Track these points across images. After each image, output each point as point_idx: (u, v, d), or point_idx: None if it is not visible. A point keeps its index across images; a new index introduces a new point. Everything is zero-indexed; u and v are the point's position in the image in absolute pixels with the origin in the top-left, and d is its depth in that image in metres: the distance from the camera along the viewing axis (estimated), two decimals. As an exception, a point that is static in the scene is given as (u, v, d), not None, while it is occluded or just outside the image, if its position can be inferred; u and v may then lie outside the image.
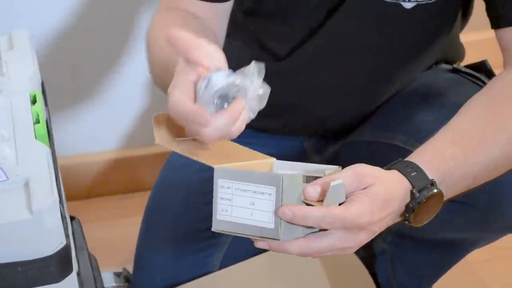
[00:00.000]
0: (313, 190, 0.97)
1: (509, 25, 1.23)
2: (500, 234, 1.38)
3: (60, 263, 0.94)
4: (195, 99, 0.99)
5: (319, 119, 1.46)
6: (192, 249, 1.46)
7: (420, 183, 1.05)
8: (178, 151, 1.01)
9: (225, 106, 0.98)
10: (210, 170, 0.99)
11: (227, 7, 1.32)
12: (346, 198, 0.99)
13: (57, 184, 0.97)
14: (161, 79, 1.22)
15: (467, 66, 1.46)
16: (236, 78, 0.98)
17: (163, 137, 1.03)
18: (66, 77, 1.96)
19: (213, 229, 0.99)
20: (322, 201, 0.97)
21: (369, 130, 1.45)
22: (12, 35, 1.25)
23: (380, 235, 1.41)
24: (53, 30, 1.90)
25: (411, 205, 1.05)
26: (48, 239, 0.92)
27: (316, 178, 1.00)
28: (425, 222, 1.07)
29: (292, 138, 1.53)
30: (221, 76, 0.98)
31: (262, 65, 1.00)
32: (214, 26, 1.30)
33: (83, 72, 1.98)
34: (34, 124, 1.05)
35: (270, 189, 0.96)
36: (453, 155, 1.10)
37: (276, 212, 0.96)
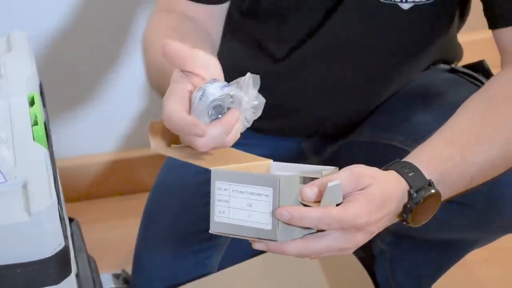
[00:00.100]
0: (310, 191, 0.97)
1: (506, 25, 1.23)
2: (498, 234, 1.38)
3: (58, 264, 0.94)
4: (190, 109, 0.99)
5: (317, 119, 1.46)
6: (190, 251, 1.46)
7: (418, 184, 1.05)
8: (174, 156, 1.02)
9: (220, 116, 0.99)
10: (208, 171, 0.99)
11: (223, 8, 1.33)
12: (343, 199, 0.99)
13: (55, 186, 0.97)
14: (157, 83, 1.22)
15: (465, 66, 1.46)
16: (231, 89, 0.99)
17: (158, 144, 1.03)
18: (65, 78, 1.96)
19: (210, 231, 0.99)
20: (319, 202, 0.97)
21: (368, 130, 1.45)
22: (10, 36, 1.25)
23: (378, 235, 1.41)
24: (51, 32, 1.90)
25: (409, 206, 1.05)
26: (46, 241, 0.92)
27: (313, 179, 1.00)
28: (423, 223, 1.07)
29: (290, 139, 1.53)
30: (216, 87, 0.99)
31: (257, 77, 1.00)
32: (210, 28, 1.30)
33: (82, 74, 1.98)
34: (32, 126, 1.05)
35: (267, 191, 0.96)
36: (450, 155, 1.10)
37: (273, 213, 0.96)
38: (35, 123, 1.06)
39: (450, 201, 1.17)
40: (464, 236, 1.41)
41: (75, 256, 1.24)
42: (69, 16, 1.90)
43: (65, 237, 0.95)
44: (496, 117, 1.16)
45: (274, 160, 1.06)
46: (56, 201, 0.93)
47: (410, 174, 1.05)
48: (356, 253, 1.55)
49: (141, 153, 2.07)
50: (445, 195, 1.09)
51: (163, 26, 1.27)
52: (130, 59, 1.97)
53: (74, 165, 2.05)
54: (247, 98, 1.00)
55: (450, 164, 1.09)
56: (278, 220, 0.96)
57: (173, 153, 1.02)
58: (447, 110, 1.18)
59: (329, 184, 0.96)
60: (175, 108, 0.98)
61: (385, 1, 1.29)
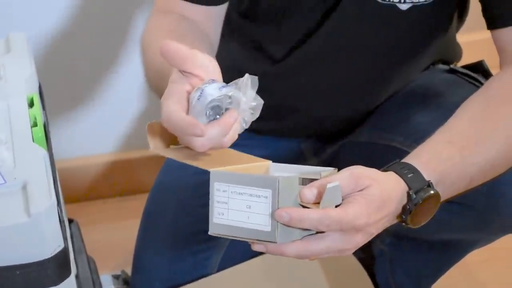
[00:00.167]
0: (309, 193, 0.97)
1: (504, 26, 1.23)
2: (498, 234, 1.38)
3: (58, 266, 0.94)
4: (188, 110, 0.99)
5: (316, 120, 1.46)
6: (190, 251, 1.46)
7: (417, 185, 1.05)
8: (173, 157, 1.02)
9: (218, 117, 0.99)
10: (207, 172, 0.99)
11: (222, 9, 1.33)
12: (342, 200, 0.99)
13: (55, 187, 0.97)
14: (155, 84, 1.22)
15: (464, 67, 1.46)
16: (229, 90, 0.99)
17: (157, 145, 1.03)
18: (64, 79, 1.96)
19: (210, 232, 0.99)
20: (318, 203, 0.97)
21: (367, 131, 1.45)
22: (9, 38, 1.25)
23: (378, 236, 1.41)
24: (51, 33, 1.90)
25: (408, 207, 1.05)
26: (46, 242, 0.92)
27: (312, 180, 1.00)
28: (422, 224, 1.07)
29: (289, 139, 1.53)
30: (214, 88, 0.99)
31: (255, 78, 1.00)
32: (208, 29, 1.30)
33: (81, 75, 1.98)
34: (31, 127, 1.05)
35: (266, 192, 0.96)
36: (450, 156, 1.10)
37: (272, 215, 0.96)
38: (35, 125, 1.05)
39: (450, 202, 1.17)
40: (464, 237, 1.41)
41: (75, 257, 1.24)
42: (68, 17, 1.90)
43: (65, 238, 0.95)
44: (495, 117, 1.16)
45: (273, 161, 1.06)
46: (56, 202, 0.93)
47: (409, 175, 1.05)
48: (356, 253, 1.55)
49: (141, 154, 2.07)
50: (445, 195, 1.09)
51: (161, 27, 1.27)
52: (129, 60, 1.97)
53: (74, 166, 2.05)
54: (245, 99, 1.00)
55: (449, 164, 1.09)
56: (277, 221, 0.96)
57: (171, 154, 1.02)
58: (446, 111, 1.18)
59: (328, 186, 0.96)
60: (173, 108, 0.98)
61: (383, 2, 1.29)
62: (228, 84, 1.00)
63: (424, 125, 1.33)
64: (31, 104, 1.10)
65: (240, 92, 0.99)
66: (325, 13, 1.32)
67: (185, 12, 1.29)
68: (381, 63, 1.38)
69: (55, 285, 0.94)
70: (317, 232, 0.99)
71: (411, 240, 1.50)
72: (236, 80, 1.00)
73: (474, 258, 1.58)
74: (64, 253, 0.94)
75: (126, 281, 1.58)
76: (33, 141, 1.03)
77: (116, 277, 1.61)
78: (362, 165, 1.04)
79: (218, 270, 1.48)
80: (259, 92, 1.01)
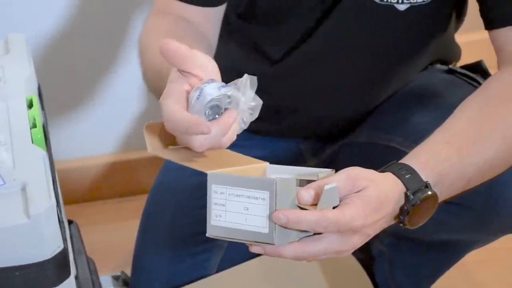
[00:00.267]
0: (306, 194, 0.97)
1: (502, 26, 1.23)
2: (497, 235, 1.38)
3: (57, 267, 0.94)
4: (187, 109, 0.99)
5: (315, 120, 1.47)
6: (189, 252, 1.46)
7: (414, 185, 1.05)
8: (171, 159, 1.02)
9: (217, 117, 0.99)
10: (204, 173, 0.99)
11: (220, 11, 1.33)
12: (340, 201, 0.99)
13: (54, 188, 0.97)
14: (154, 84, 1.22)
15: (462, 67, 1.46)
16: (229, 89, 0.99)
17: (155, 146, 1.03)
18: (63, 80, 1.96)
19: (207, 234, 0.99)
20: (316, 204, 0.97)
21: (366, 131, 1.45)
22: (8, 39, 1.25)
23: (377, 237, 1.41)
24: (49, 34, 1.90)
25: (406, 208, 1.04)
26: (45, 243, 0.92)
27: (309, 181, 1.00)
28: (420, 224, 1.07)
29: (288, 140, 1.53)
30: (213, 87, 0.99)
31: (254, 78, 1.00)
32: (206, 30, 1.30)
33: (80, 76, 1.98)
34: (30, 128, 1.05)
35: (264, 194, 0.96)
36: (448, 156, 1.10)
37: (270, 217, 0.96)
38: (34, 126, 1.05)
39: (448, 202, 1.17)
40: (463, 237, 1.41)
41: (74, 258, 1.24)
42: (67, 17, 1.90)
43: (64, 239, 0.95)
44: (493, 117, 1.16)
45: (272, 162, 1.06)
46: (55, 204, 0.93)
47: (407, 176, 1.05)
48: (355, 254, 1.55)
49: (140, 155, 2.07)
50: (443, 196, 1.09)
51: (159, 28, 1.27)
52: (129, 60, 1.97)
53: (73, 167, 2.05)
54: (245, 99, 1.00)
55: (447, 165, 1.09)
56: (275, 223, 0.96)
57: (169, 155, 1.02)
58: (445, 111, 1.18)
59: (326, 187, 0.96)
60: (175, 108, 0.98)
61: (381, 2, 1.29)
62: (227, 84, 1.00)
63: (423, 125, 1.33)
64: (30, 105, 1.10)
65: (239, 92, 0.99)
66: (323, 13, 1.32)
67: (183, 13, 1.29)
68: (380, 63, 1.39)
69: (55, 286, 0.94)
70: (315, 234, 0.99)
71: (410, 241, 1.50)
72: (235, 81, 1.00)
73: (473, 259, 1.58)
74: (63, 254, 0.94)
75: (125, 282, 1.59)
76: (33, 142, 1.03)
77: (115, 278, 1.61)
78: (361, 165, 1.04)
79: (217, 271, 1.48)
80: (258, 92, 1.01)
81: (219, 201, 0.98)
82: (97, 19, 1.92)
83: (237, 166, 1.02)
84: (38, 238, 0.91)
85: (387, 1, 1.29)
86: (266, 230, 0.97)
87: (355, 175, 1.01)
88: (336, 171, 1.02)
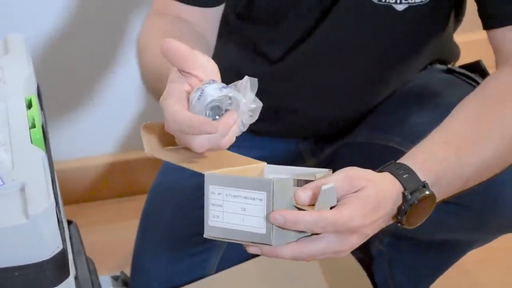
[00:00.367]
0: (304, 195, 0.97)
1: (500, 26, 1.24)
2: (496, 234, 1.38)
3: (57, 267, 0.94)
4: (188, 110, 0.99)
5: (314, 121, 1.47)
6: (188, 253, 1.46)
7: (412, 185, 1.05)
8: (168, 160, 1.02)
9: (217, 118, 0.99)
10: (203, 175, 0.99)
11: (218, 11, 1.33)
12: (337, 201, 0.99)
13: (53, 189, 0.97)
14: (152, 85, 1.22)
15: (461, 67, 1.46)
16: (229, 91, 0.99)
17: (152, 147, 1.03)
18: (62, 80, 1.96)
19: (205, 235, 0.99)
20: (313, 205, 0.97)
21: (365, 131, 1.45)
22: (7, 39, 1.25)
23: (377, 236, 1.41)
24: (49, 34, 1.90)
25: (403, 208, 1.04)
26: (44, 243, 0.92)
27: (307, 181, 1.00)
28: (418, 224, 1.07)
29: (287, 140, 1.53)
30: (214, 88, 0.99)
31: (255, 80, 1.00)
32: (204, 30, 1.30)
33: (79, 76, 1.98)
34: (29, 128, 1.05)
35: (261, 194, 0.96)
36: (446, 156, 1.10)
37: (267, 217, 0.96)
38: (33, 126, 1.05)
39: (446, 202, 1.17)
40: (462, 237, 1.41)
41: (74, 259, 1.24)
42: (65, 18, 1.90)
43: (63, 240, 0.95)
44: (491, 117, 1.16)
45: (272, 162, 1.06)
46: (54, 204, 0.93)
47: (404, 176, 1.05)
48: (354, 254, 1.55)
49: (140, 155, 2.07)
50: (441, 196, 1.09)
51: (158, 29, 1.27)
52: (128, 60, 1.97)
53: (73, 167, 2.05)
54: (245, 100, 1.00)
55: (445, 165, 1.09)
56: (272, 224, 0.96)
57: (167, 156, 1.02)
58: (444, 111, 1.18)
59: (323, 187, 0.96)
60: (178, 108, 0.98)
61: (379, 3, 1.29)
62: (228, 85, 1.00)
63: (421, 125, 1.33)
64: (29, 105, 1.10)
65: (240, 94, 0.99)
66: (322, 13, 1.32)
67: (181, 13, 1.29)
68: (378, 63, 1.39)
69: (54, 286, 0.94)
70: (312, 234, 0.99)
71: (409, 240, 1.50)
72: (235, 82, 1.00)
73: (472, 258, 1.58)
74: (62, 255, 0.94)
75: (125, 282, 1.59)
76: (32, 142, 1.03)
77: (115, 278, 1.61)
78: (360, 165, 1.04)
79: (216, 272, 1.48)
80: (257, 93, 1.01)
81: (216, 202, 0.98)
82: (97, 20, 1.92)
83: (235, 166, 1.02)
84: (37, 239, 0.91)
85: (385, 1, 1.29)
86: (263, 231, 0.97)
87: (353, 175, 1.01)
88: (335, 171, 1.02)
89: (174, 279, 1.45)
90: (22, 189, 0.94)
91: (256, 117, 1.02)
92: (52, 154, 1.11)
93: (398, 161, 1.08)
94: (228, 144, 1.00)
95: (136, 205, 1.65)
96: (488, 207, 1.27)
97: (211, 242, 1.45)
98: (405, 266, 1.54)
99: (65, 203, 1.45)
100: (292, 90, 1.42)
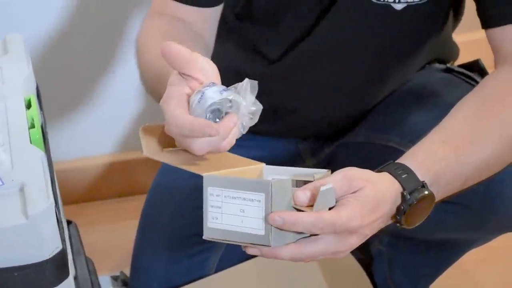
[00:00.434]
0: (302, 196, 0.97)
1: (498, 25, 1.24)
2: (495, 234, 1.38)
3: (56, 267, 0.94)
4: (188, 112, 0.99)
5: (313, 120, 1.47)
6: (187, 253, 1.46)
7: (411, 185, 1.05)
8: (167, 162, 1.02)
9: (217, 120, 0.99)
10: (202, 176, 0.99)
11: (216, 11, 1.33)
12: (336, 202, 0.99)
13: (52, 189, 0.97)
14: (152, 86, 1.22)
15: (460, 66, 1.46)
16: (230, 93, 0.99)
17: (150, 149, 1.03)
18: (62, 81, 1.96)
19: (204, 237, 1.00)
20: (312, 205, 0.97)
21: (364, 131, 1.45)
22: (6, 39, 1.25)
23: (376, 236, 1.41)
24: (48, 34, 1.90)
25: (402, 207, 1.04)
26: (44, 243, 0.92)
27: (305, 182, 1.00)
28: (417, 224, 1.07)
29: (287, 140, 1.53)
30: (215, 91, 0.99)
31: (255, 82, 1.00)
32: (203, 30, 1.30)
33: (78, 76, 1.98)
34: (29, 128, 1.05)
35: (259, 196, 0.96)
36: (445, 156, 1.10)
37: (266, 219, 0.96)
38: (32, 126, 1.05)
39: (445, 202, 1.17)
40: (461, 236, 1.41)
41: (73, 259, 1.24)
42: (65, 18, 1.90)
43: (63, 240, 0.95)
44: (490, 116, 1.16)
45: (271, 162, 1.06)
46: (53, 204, 0.93)
47: (403, 176, 1.05)
48: (354, 254, 1.55)
49: (139, 155, 2.04)
50: (439, 195, 1.09)
51: (156, 29, 1.27)
52: (127, 60, 1.97)
53: (72, 167, 2.05)
54: (245, 103, 1.00)
55: (444, 164, 1.09)
56: (271, 225, 0.96)
57: (165, 158, 1.02)
58: (443, 110, 1.18)
59: (322, 188, 0.96)
60: (179, 111, 0.98)
61: (378, 2, 1.29)
62: (228, 88, 1.00)
63: (420, 125, 1.33)
64: (28, 106, 1.10)
65: (240, 97, 0.99)
66: (321, 13, 1.32)
67: (180, 13, 1.29)
68: (377, 63, 1.39)
69: (53, 286, 0.94)
70: (311, 235, 0.99)
71: (409, 240, 1.50)
72: (235, 84, 1.00)
73: (472, 258, 1.58)
74: (62, 255, 0.94)
75: (124, 282, 1.59)
76: (31, 142, 1.03)
77: (114, 278, 1.61)
78: (359, 165, 1.04)
79: (215, 272, 1.48)
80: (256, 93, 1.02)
81: (215, 204, 0.98)
82: (96, 20, 1.92)
83: (234, 168, 1.02)
84: (36, 239, 0.91)
85: (384, 1, 1.29)
86: (262, 232, 0.97)
87: (352, 176, 1.01)
88: (335, 170, 1.02)
89: (173, 279, 1.45)
90: (22, 189, 0.94)
91: (256, 119, 1.02)
92: (51, 154, 1.11)
93: (397, 161, 1.08)
94: (228, 147, 1.00)
95: (136, 205, 1.65)
96: (487, 206, 1.27)
97: (211, 242, 1.44)
98: (404, 266, 1.54)
99: (65, 203, 1.45)
100: (291, 90, 1.42)
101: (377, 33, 1.34)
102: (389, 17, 1.31)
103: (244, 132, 1.02)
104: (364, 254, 1.58)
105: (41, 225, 0.91)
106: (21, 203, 0.93)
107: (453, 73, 1.45)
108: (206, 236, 0.99)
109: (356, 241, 1.00)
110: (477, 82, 1.38)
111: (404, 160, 1.08)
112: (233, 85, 1.00)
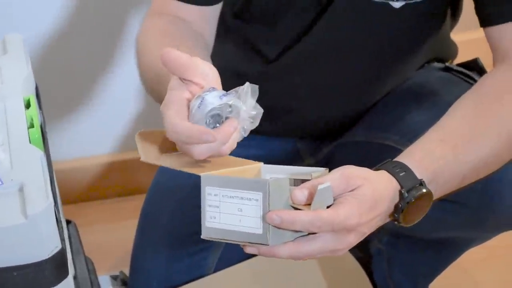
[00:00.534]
0: (300, 194, 0.98)
1: (496, 23, 1.24)
2: (494, 232, 1.38)
3: (55, 267, 0.94)
4: (188, 118, 0.99)
5: (311, 120, 1.47)
6: (187, 252, 1.46)
7: (409, 183, 1.05)
8: (165, 165, 1.02)
9: (218, 125, 0.99)
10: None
11: (216, 10, 1.33)
12: (334, 200, 0.99)
13: (52, 188, 0.97)
14: (151, 87, 1.22)
15: (459, 65, 1.46)
16: (230, 98, 0.99)
17: (148, 154, 1.03)
18: (61, 80, 1.96)
19: (202, 236, 1.00)
20: (309, 204, 0.97)
21: (362, 130, 1.45)
22: (6, 39, 1.25)
23: (376, 235, 1.41)
24: (47, 34, 1.90)
25: (400, 206, 1.04)
26: (43, 243, 0.92)
27: (303, 181, 1.00)
28: (415, 222, 1.07)
29: (285, 139, 1.53)
30: (215, 96, 0.99)
31: (256, 86, 1.00)
32: (202, 29, 1.30)
33: (78, 76, 1.98)
34: (28, 128, 1.05)
35: (257, 195, 0.96)
36: (442, 154, 1.10)
37: (264, 218, 0.96)
38: (31, 126, 1.05)
39: (443, 200, 1.17)
40: (460, 235, 1.41)
41: (73, 258, 1.24)
42: (64, 18, 1.90)
43: (62, 239, 0.95)
44: (488, 115, 1.16)
45: (270, 161, 1.06)
46: (53, 204, 0.93)
47: (401, 174, 1.05)
48: (354, 253, 1.55)
49: (138, 155, 2.06)
50: (437, 194, 1.09)
51: (156, 29, 1.27)
52: (127, 60, 1.97)
53: (71, 167, 2.05)
54: (245, 107, 1.00)
55: (442, 163, 1.09)
56: (269, 224, 0.96)
57: (163, 161, 1.03)
58: (441, 109, 1.18)
59: (320, 187, 0.96)
60: (177, 118, 0.98)
61: (376, 0, 1.29)
62: (228, 92, 1.00)
63: (419, 124, 1.33)
64: (27, 105, 1.10)
65: (240, 101, 0.99)
66: (319, 12, 1.32)
67: (179, 12, 1.29)
68: (375, 62, 1.39)
69: (53, 286, 0.94)
70: (309, 233, 0.99)
71: (408, 239, 1.50)
72: (236, 88, 1.01)
73: (471, 257, 1.58)
74: (61, 254, 0.94)
75: (124, 282, 1.59)
76: (30, 142, 1.03)
77: (114, 277, 1.61)
78: (358, 164, 1.04)
79: (215, 271, 1.48)
80: None
81: (213, 203, 0.98)
82: (95, 19, 1.92)
83: (232, 167, 1.03)
84: (36, 238, 0.91)
85: (382, -1, 1.29)
86: (260, 231, 0.97)
87: (349, 174, 1.01)
88: (333, 169, 1.02)
89: (173, 277, 1.45)
90: (21, 189, 0.94)
91: (257, 123, 1.02)
92: (50, 154, 1.11)
93: (394, 159, 1.08)
94: (228, 151, 1.01)
95: (135, 205, 1.65)
96: (485, 204, 1.27)
97: (210, 241, 1.45)
98: (403, 265, 1.54)
99: (64, 202, 1.45)
100: (289, 90, 1.42)
101: (376, 31, 1.34)
102: (387, 16, 1.31)
103: (245, 135, 1.03)
104: (363, 253, 1.58)
105: (41, 224, 0.91)
106: (20, 202, 0.93)
107: (451, 72, 1.45)
108: (205, 235, 1.00)
109: (354, 239, 1.00)
110: (475, 81, 1.38)
111: (402, 158, 1.08)
112: (233, 89, 1.01)
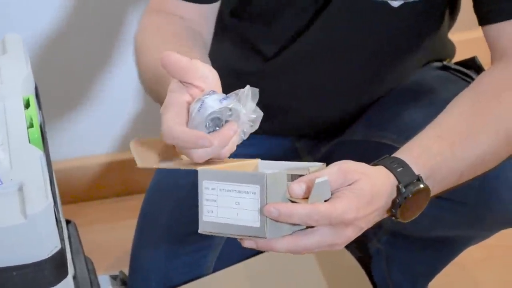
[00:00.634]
0: (298, 188, 0.98)
1: (494, 22, 1.24)
2: (492, 230, 1.38)
3: (55, 267, 0.94)
4: (188, 121, 1.00)
5: (309, 119, 1.47)
6: (186, 251, 1.46)
7: (406, 179, 1.05)
8: (162, 167, 1.02)
9: (217, 129, 0.99)
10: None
11: (214, 8, 1.33)
12: (331, 194, 0.99)
13: (51, 188, 0.97)
14: (150, 86, 1.22)
15: (457, 63, 1.46)
16: (229, 102, 0.99)
17: (144, 160, 1.04)
18: (60, 80, 1.96)
19: (200, 231, 1.00)
20: (307, 198, 0.97)
21: (360, 129, 1.45)
22: (5, 39, 1.25)
23: (375, 235, 1.41)
24: (46, 34, 1.90)
25: (398, 201, 1.05)
26: (43, 243, 0.92)
27: (300, 176, 1.00)
28: (412, 218, 1.07)
29: (284, 138, 1.53)
30: (214, 99, 0.99)
31: (256, 90, 1.00)
32: (201, 27, 1.30)
33: (77, 76, 1.98)
34: (27, 128, 1.05)
35: (255, 188, 0.96)
36: (440, 151, 1.10)
37: (261, 211, 0.96)
38: (31, 126, 1.05)
39: (441, 198, 1.17)
40: (458, 233, 1.41)
41: (72, 258, 1.24)
42: (63, 18, 1.90)
43: (62, 239, 0.95)
44: (486, 112, 1.16)
45: (268, 160, 1.06)
46: (52, 203, 0.93)
47: (398, 169, 1.05)
48: (353, 252, 1.55)
49: (137, 155, 2.07)
50: (435, 190, 1.09)
51: (155, 27, 1.27)
52: (126, 60, 1.97)
53: (71, 167, 2.05)
54: (245, 111, 1.00)
55: (439, 159, 1.09)
56: (267, 217, 0.96)
57: (161, 165, 1.03)
58: (439, 108, 1.18)
59: (317, 180, 0.96)
60: (175, 122, 0.98)
61: (375, -1, 1.29)
62: (228, 95, 1.00)
63: (416, 122, 1.33)
64: (27, 105, 1.10)
65: (240, 105, 1.00)
66: (317, 11, 1.32)
67: (177, 10, 1.29)
68: (374, 60, 1.39)
69: (52, 285, 0.94)
70: (307, 227, 0.99)
71: (407, 238, 1.50)
72: (236, 91, 1.01)
73: (471, 257, 1.58)
74: (61, 254, 0.94)
75: (124, 282, 1.59)
76: (29, 142, 1.03)
77: (114, 277, 1.61)
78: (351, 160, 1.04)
79: (214, 270, 1.48)
80: None
81: (210, 197, 0.98)
82: (94, 19, 1.92)
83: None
84: (35, 238, 0.91)
85: (381, -2, 1.29)
86: (257, 224, 0.97)
87: (347, 168, 1.01)
88: (326, 165, 1.02)
89: (172, 277, 1.45)
90: (20, 189, 0.94)
91: (256, 126, 1.02)
92: (50, 154, 1.11)
93: (392, 155, 1.08)
94: (228, 154, 1.01)
95: (134, 205, 1.65)
96: (483, 202, 1.27)
97: (210, 240, 1.45)
98: (402, 264, 1.54)
99: (64, 202, 1.45)
100: (286, 89, 1.42)
101: (374, 30, 1.34)
102: (386, 15, 1.31)
103: (245, 138, 1.03)
104: (362, 252, 1.58)
105: (40, 224, 0.91)
106: (20, 202, 0.93)
107: (449, 70, 1.45)
108: (202, 229, 1.00)
109: (352, 234, 1.00)
110: (473, 79, 1.38)
111: (399, 154, 1.08)
112: (233, 92, 1.01)
